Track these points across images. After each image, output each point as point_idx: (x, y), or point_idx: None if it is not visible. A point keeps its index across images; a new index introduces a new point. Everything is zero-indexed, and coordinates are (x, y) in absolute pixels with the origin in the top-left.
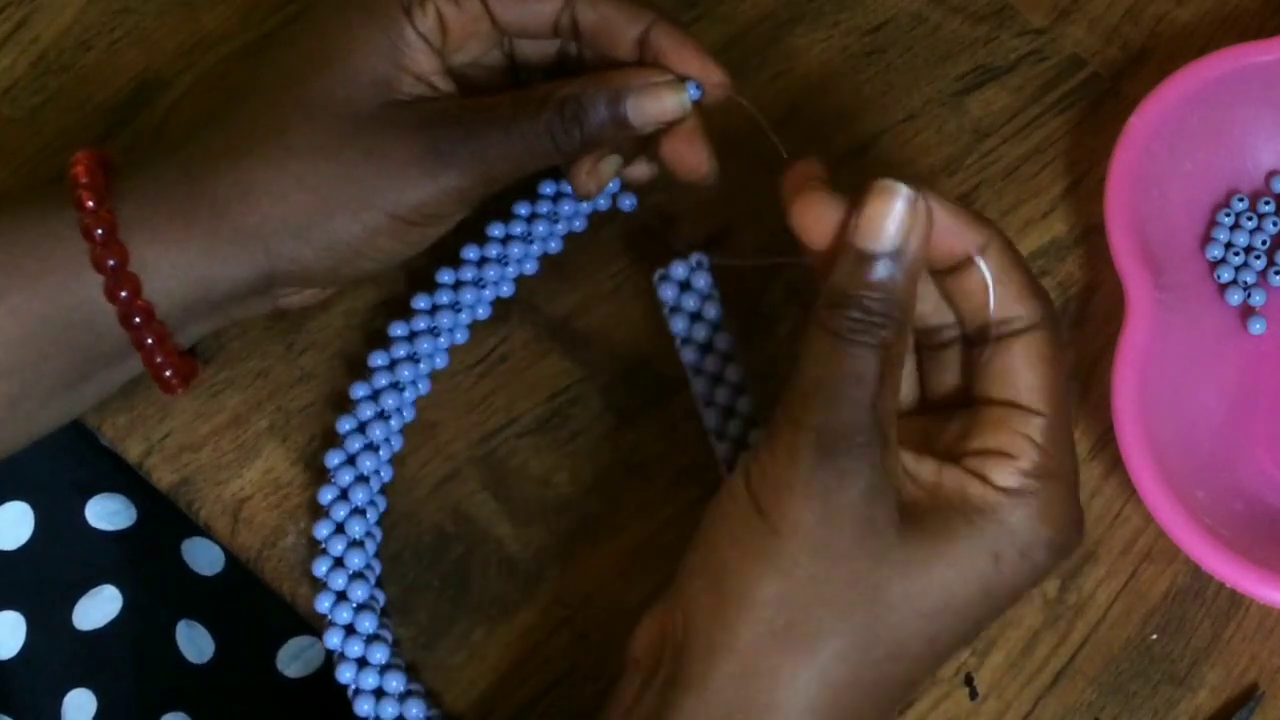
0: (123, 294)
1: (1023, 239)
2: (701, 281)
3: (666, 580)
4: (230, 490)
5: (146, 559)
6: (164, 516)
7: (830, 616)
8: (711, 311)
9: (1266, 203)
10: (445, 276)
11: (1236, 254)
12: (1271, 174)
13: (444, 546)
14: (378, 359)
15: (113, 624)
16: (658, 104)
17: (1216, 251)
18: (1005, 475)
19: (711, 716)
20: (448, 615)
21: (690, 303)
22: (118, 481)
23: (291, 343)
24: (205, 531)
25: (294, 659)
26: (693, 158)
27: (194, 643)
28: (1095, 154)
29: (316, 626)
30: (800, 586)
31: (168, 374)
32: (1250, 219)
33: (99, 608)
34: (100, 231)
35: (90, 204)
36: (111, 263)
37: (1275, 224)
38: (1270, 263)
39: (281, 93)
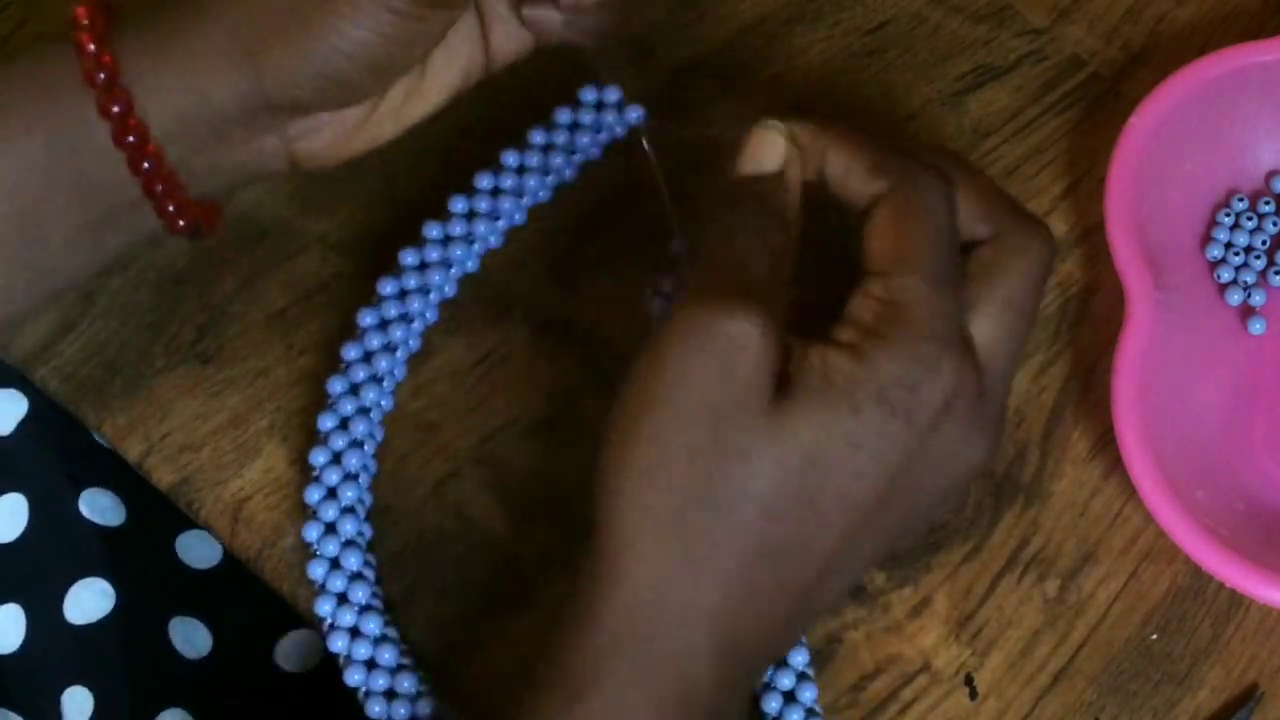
0: (115, 109)
1: None
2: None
3: None
4: (230, 490)
5: (138, 555)
6: (156, 512)
7: (699, 482)
8: None
9: (1266, 203)
10: (410, 257)
11: (1236, 254)
12: (1271, 174)
13: (444, 546)
14: (351, 351)
15: (106, 620)
16: None
17: (1216, 251)
18: (847, 333)
19: (613, 603)
20: (447, 615)
21: None
22: (109, 476)
23: (291, 343)
24: (201, 527)
25: (292, 653)
26: None
27: (189, 638)
28: (1095, 154)
29: (318, 626)
30: (673, 458)
31: (171, 209)
32: (1250, 219)
33: (92, 601)
34: (91, 47)
35: (90, 46)
36: (102, 76)
37: (1275, 224)
38: (1270, 263)
39: None
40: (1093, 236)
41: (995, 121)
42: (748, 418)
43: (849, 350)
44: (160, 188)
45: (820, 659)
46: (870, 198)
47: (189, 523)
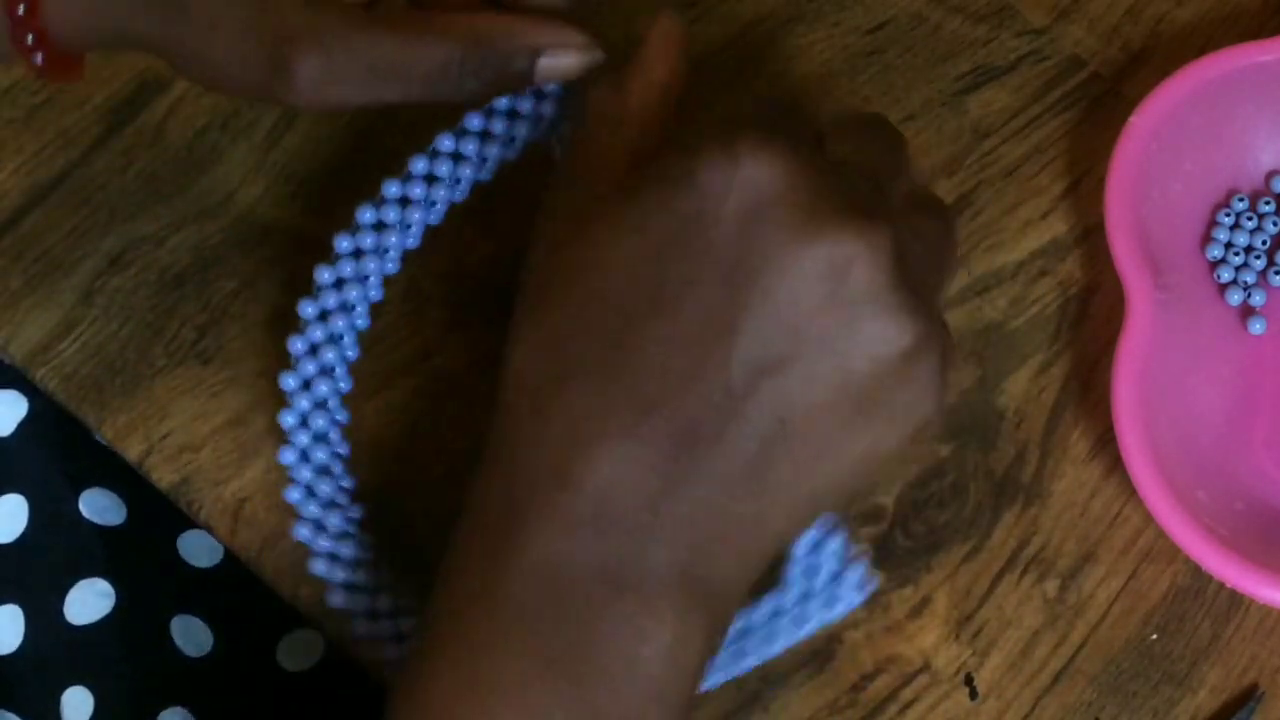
0: None
1: (1023, 239)
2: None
3: None
4: (230, 490)
5: (139, 555)
6: (157, 512)
7: (560, 267)
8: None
9: (1266, 203)
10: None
11: (1236, 254)
12: (1271, 174)
13: (443, 546)
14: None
15: (106, 620)
16: (565, 65)
17: (1216, 251)
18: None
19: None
20: None
21: None
22: (109, 477)
23: None
24: (201, 527)
25: (294, 651)
26: None
27: (191, 637)
28: (1095, 154)
29: (319, 625)
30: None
31: (29, 41)
32: (1250, 219)
33: (92, 602)
34: None
35: None
36: None
37: (1275, 224)
38: (1270, 263)
39: None
40: (1093, 236)
41: (995, 121)
42: (600, 199)
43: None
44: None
45: (820, 659)
46: None
47: (189, 522)
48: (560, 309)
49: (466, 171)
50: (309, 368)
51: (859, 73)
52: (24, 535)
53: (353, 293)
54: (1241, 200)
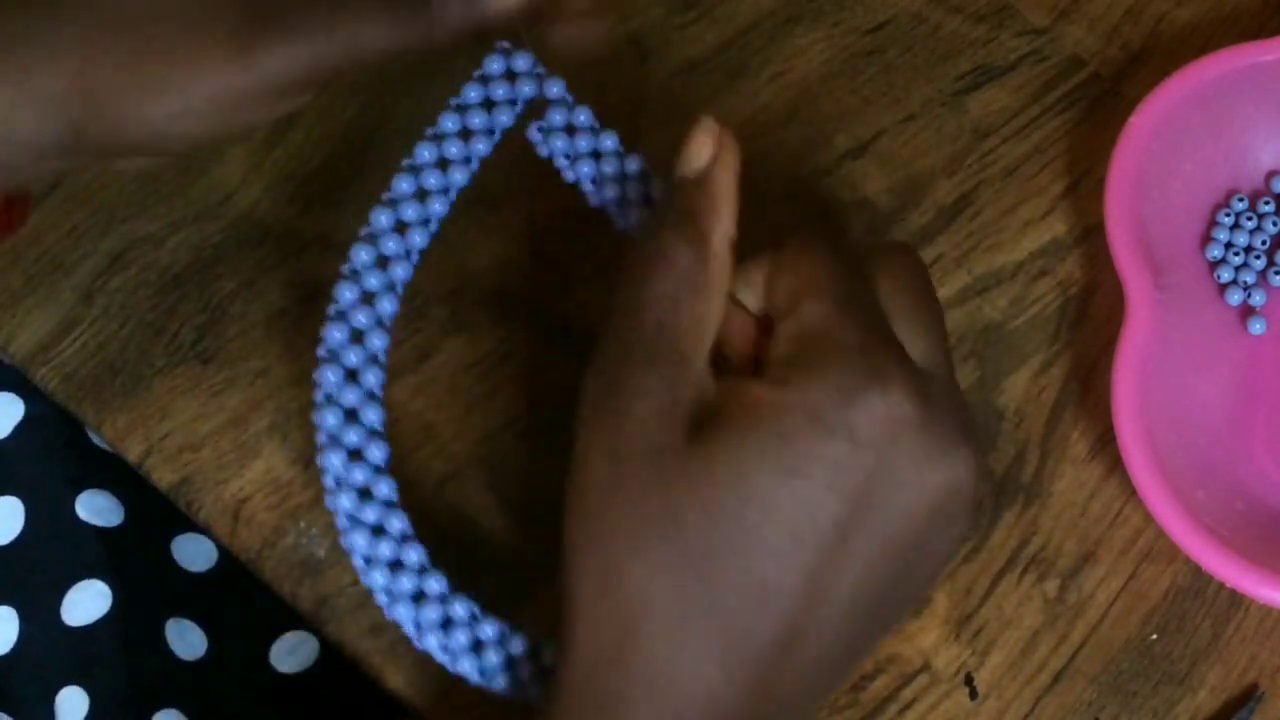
0: None
1: (1023, 239)
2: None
3: None
4: (230, 490)
5: (135, 556)
6: (153, 514)
7: (625, 542)
8: (583, 118)
9: (1266, 203)
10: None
11: (1236, 254)
12: (1271, 174)
13: (444, 546)
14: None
15: (102, 621)
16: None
17: (1216, 251)
18: (770, 371)
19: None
20: None
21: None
22: (106, 478)
23: (291, 343)
24: (200, 528)
25: (288, 654)
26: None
27: (185, 640)
28: (1095, 154)
29: (316, 627)
30: (596, 508)
31: None
32: (1250, 219)
33: (89, 603)
34: None
35: None
36: None
37: (1275, 224)
38: (1270, 263)
39: None
40: (1093, 236)
41: (995, 121)
42: (661, 459)
43: (771, 380)
44: None
45: None
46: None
47: (186, 525)
48: (648, 589)
49: (478, 148)
50: (351, 357)
51: (859, 73)
52: (21, 536)
53: (383, 277)
54: (1241, 200)
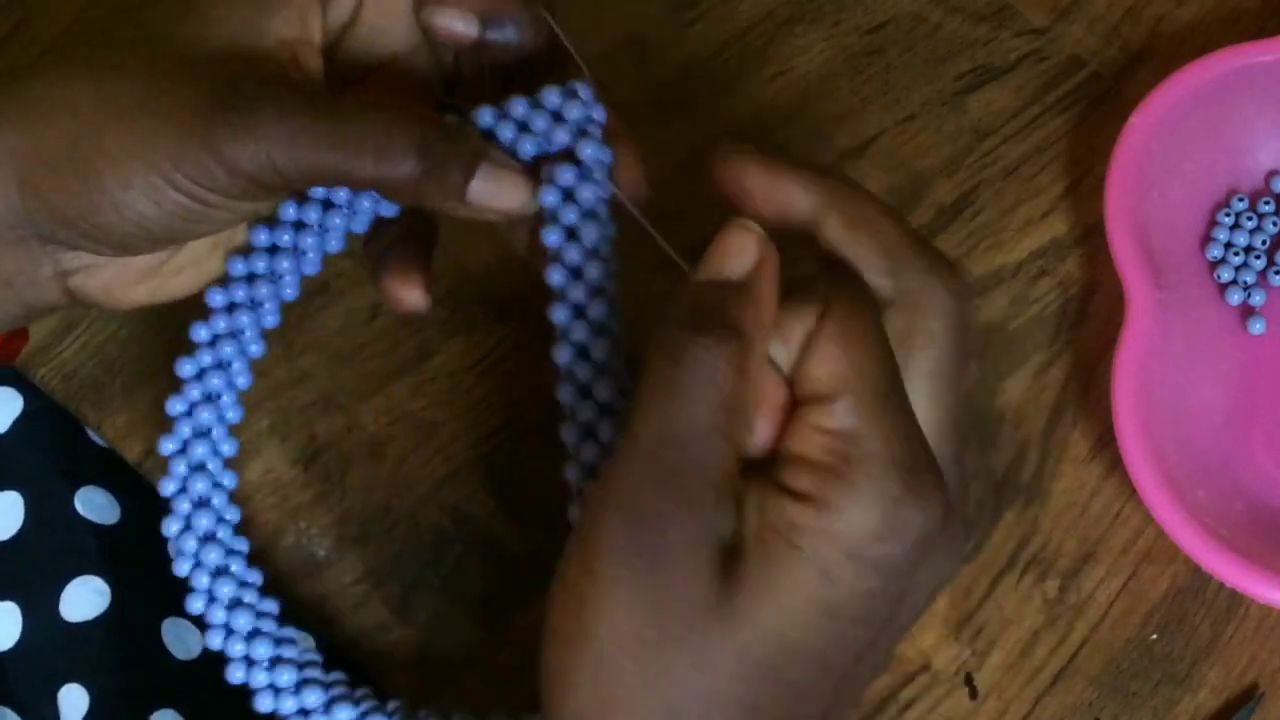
0: None
1: (1023, 239)
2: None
3: None
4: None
5: (133, 554)
6: (152, 511)
7: (645, 693)
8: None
9: (1266, 203)
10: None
11: (1236, 254)
12: (1271, 174)
13: (444, 546)
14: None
15: (102, 617)
16: (497, 192)
17: (1216, 251)
18: (802, 479)
19: None
20: (448, 615)
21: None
22: (105, 475)
23: (291, 342)
24: None
25: None
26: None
27: (181, 639)
28: (1095, 154)
29: (317, 626)
30: (613, 657)
31: None
32: (1250, 219)
33: (87, 599)
34: None
35: None
36: None
37: (1275, 224)
38: (1270, 263)
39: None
40: (1093, 236)
41: (995, 121)
42: (692, 611)
43: (807, 502)
44: None
45: None
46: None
47: None
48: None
49: (335, 220)
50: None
51: (859, 73)
52: (20, 532)
53: (227, 349)
54: (1241, 200)
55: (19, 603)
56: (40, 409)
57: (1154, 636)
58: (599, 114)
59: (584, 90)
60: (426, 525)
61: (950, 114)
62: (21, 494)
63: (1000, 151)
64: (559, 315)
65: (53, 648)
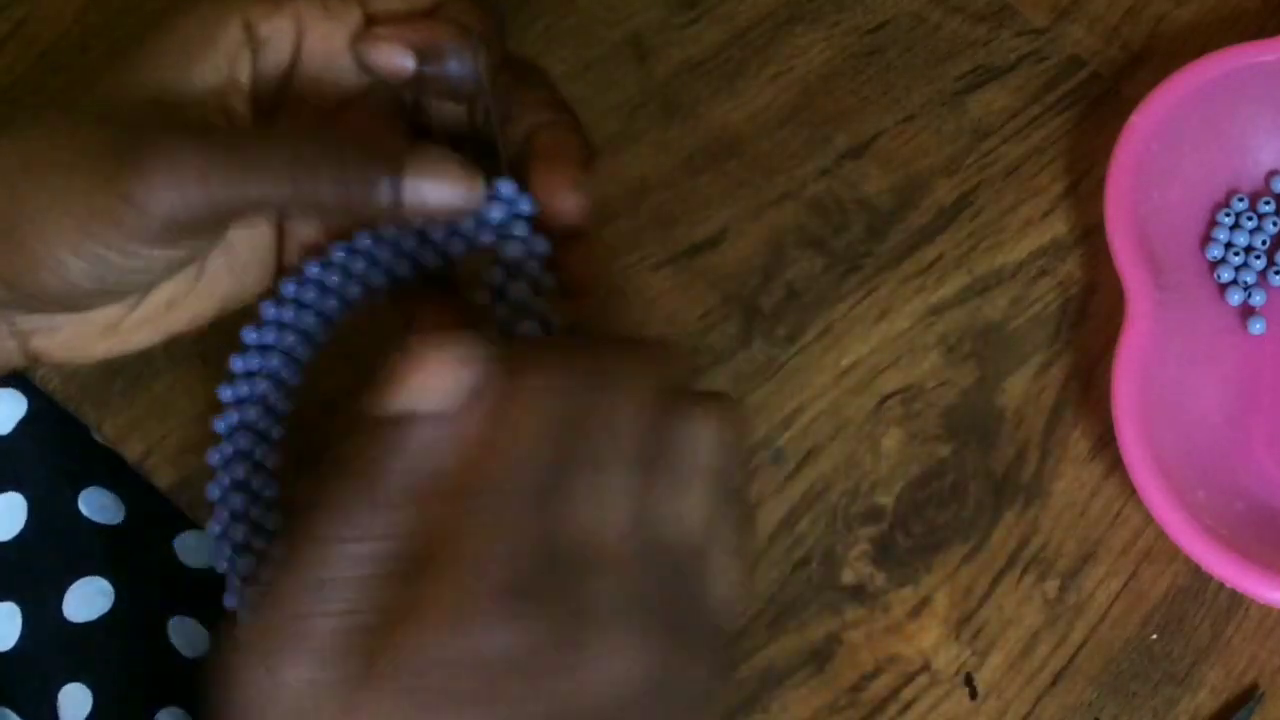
0: None
1: (1023, 239)
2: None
3: None
4: None
5: (137, 554)
6: (155, 512)
7: None
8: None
9: (1266, 203)
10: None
11: (1236, 254)
12: (1271, 174)
13: None
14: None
15: (105, 618)
16: (438, 194)
17: (1216, 251)
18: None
19: None
20: None
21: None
22: (108, 476)
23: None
24: (201, 527)
25: None
26: None
27: (187, 637)
28: (1095, 154)
29: None
30: None
31: None
32: (1250, 219)
33: (91, 599)
34: None
35: None
36: None
37: (1275, 224)
38: (1270, 263)
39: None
40: (1093, 236)
41: (995, 121)
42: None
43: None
44: None
45: (820, 659)
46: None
47: (188, 522)
48: None
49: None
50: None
51: (859, 73)
52: (23, 533)
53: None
54: (1241, 200)
55: (19, 604)
56: (44, 410)
57: (1154, 636)
58: (525, 206)
59: (505, 187)
60: None
61: (950, 114)
62: (24, 495)
63: (1000, 151)
64: None
65: (54, 648)
